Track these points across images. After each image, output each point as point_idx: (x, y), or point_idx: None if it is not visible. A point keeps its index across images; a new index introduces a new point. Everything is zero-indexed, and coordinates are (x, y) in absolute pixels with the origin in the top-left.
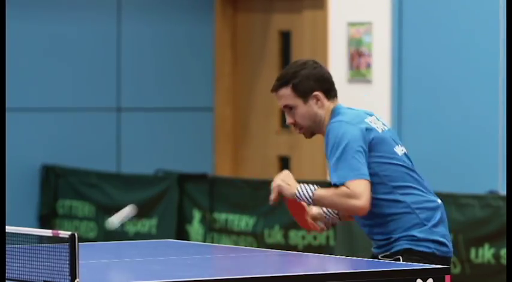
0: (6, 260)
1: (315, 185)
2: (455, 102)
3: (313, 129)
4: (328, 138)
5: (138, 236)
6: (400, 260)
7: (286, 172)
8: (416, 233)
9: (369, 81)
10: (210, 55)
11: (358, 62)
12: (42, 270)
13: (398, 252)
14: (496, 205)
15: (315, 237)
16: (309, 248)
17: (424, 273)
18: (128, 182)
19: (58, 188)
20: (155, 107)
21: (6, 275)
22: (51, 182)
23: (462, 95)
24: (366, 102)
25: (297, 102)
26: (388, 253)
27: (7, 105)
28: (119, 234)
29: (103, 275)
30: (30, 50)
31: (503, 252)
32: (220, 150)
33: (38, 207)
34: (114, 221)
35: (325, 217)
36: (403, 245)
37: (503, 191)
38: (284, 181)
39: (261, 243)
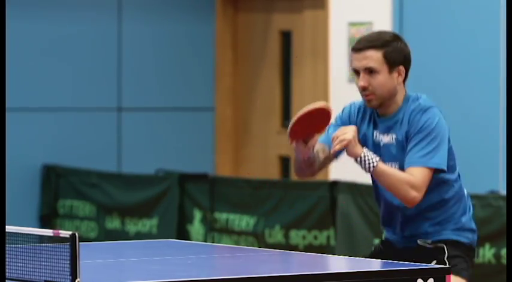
0: (7, 259)
1: (378, 157)
2: (456, 102)
3: (383, 100)
4: (421, 119)
5: (138, 235)
6: (444, 249)
7: (355, 128)
8: (462, 219)
9: None
10: (211, 55)
11: None
12: (43, 270)
13: (442, 242)
14: (496, 205)
15: (315, 237)
16: (310, 248)
17: (424, 273)
18: (129, 182)
19: (59, 187)
20: (156, 106)
21: (7, 274)
22: (51, 182)
23: (463, 94)
24: None
25: (383, 69)
26: (430, 240)
27: (7, 105)
28: (119, 234)
29: (104, 274)
30: (31, 50)
31: (503, 252)
32: (221, 150)
33: (39, 207)
34: None
35: (315, 156)
36: (450, 235)
37: (503, 190)
38: (355, 139)
39: (262, 243)
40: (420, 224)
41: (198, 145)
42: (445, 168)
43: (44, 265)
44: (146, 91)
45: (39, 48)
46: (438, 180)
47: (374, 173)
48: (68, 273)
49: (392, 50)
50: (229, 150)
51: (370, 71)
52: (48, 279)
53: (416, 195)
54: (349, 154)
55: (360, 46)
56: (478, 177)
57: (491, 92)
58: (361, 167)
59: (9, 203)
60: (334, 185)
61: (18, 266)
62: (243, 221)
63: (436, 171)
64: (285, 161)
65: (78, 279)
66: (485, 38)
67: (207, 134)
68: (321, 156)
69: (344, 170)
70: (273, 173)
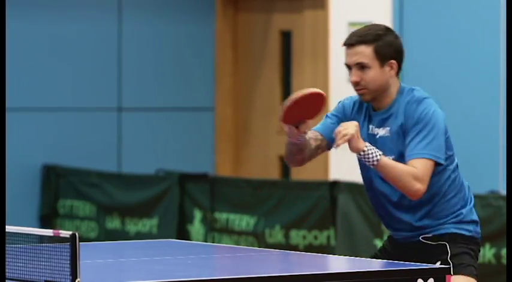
0: (7, 260)
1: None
2: (456, 102)
3: (376, 95)
4: (417, 111)
5: (138, 235)
6: (447, 248)
7: (357, 123)
8: (463, 211)
9: None
10: (211, 55)
11: None
12: (43, 270)
13: (443, 236)
14: (496, 205)
15: (315, 237)
16: (310, 248)
17: (424, 273)
18: (129, 182)
19: (59, 187)
20: (156, 106)
21: (8, 274)
22: (52, 182)
23: (463, 94)
24: None
25: (374, 63)
26: (431, 235)
27: (7, 105)
28: (119, 234)
29: (104, 274)
30: (31, 49)
31: (504, 252)
32: (221, 150)
33: (39, 207)
34: None
35: (306, 142)
36: (450, 228)
37: (503, 190)
38: (358, 133)
39: (262, 243)
40: (418, 218)
41: (198, 145)
42: (443, 162)
43: (44, 265)
44: (146, 91)
45: (39, 48)
46: (436, 172)
47: (377, 167)
48: (68, 273)
49: (383, 44)
50: (229, 150)
51: (362, 66)
52: (48, 279)
53: (420, 187)
54: (352, 149)
55: (350, 41)
56: (478, 177)
57: (491, 92)
58: (365, 161)
59: (9, 203)
60: (334, 185)
61: (18, 266)
62: (243, 221)
63: (435, 163)
64: (285, 161)
65: (78, 279)
66: (485, 38)
67: (207, 134)
68: (313, 143)
69: (344, 170)
70: (273, 173)
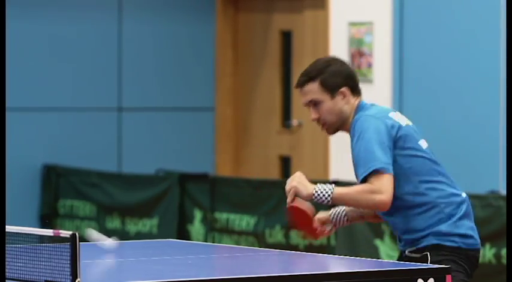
0: (8, 259)
1: (332, 184)
2: (456, 102)
3: (338, 125)
4: (353, 131)
5: (139, 235)
6: (428, 257)
7: (299, 174)
8: (442, 227)
9: (370, 81)
10: (211, 55)
11: (359, 61)
12: (44, 270)
13: (426, 248)
14: (496, 205)
15: None
16: (310, 248)
17: (425, 273)
18: (129, 182)
19: (59, 187)
20: (156, 106)
21: (8, 274)
22: (52, 182)
23: (463, 94)
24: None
25: (324, 97)
26: (414, 248)
27: (7, 105)
28: (119, 234)
29: (104, 274)
30: (31, 49)
31: (504, 252)
32: (221, 150)
33: (39, 207)
34: (93, 234)
35: (333, 219)
36: (431, 240)
37: (503, 190)
38: (300, 183)
39: (262, 243)
40: (402, 233)
41: (198, 145)
42: (387, 171)
43: (44, 265)
44: (146, 91)
45: (39, 48)
46: (395, 185)
47: (334, 201)
48: (68, 273)
49: (327, 76)
50: (229, 150)
51: (315, 103)
52: (48, 279)
53: (381, 197)
54: (303, 198)
55: (299, 82)
56: (478, 177)
57: (491, 92)
58: (321, 203)
59: (9, 203)
60: (334, 185)
61: (18, 266)
62: (243, 221)
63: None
64: (285, 161)
65: (78, 279)
66: (485, 38)
67: (207, 134)
68: (352, 213)
69: (344, 170)
70: (273, 173)
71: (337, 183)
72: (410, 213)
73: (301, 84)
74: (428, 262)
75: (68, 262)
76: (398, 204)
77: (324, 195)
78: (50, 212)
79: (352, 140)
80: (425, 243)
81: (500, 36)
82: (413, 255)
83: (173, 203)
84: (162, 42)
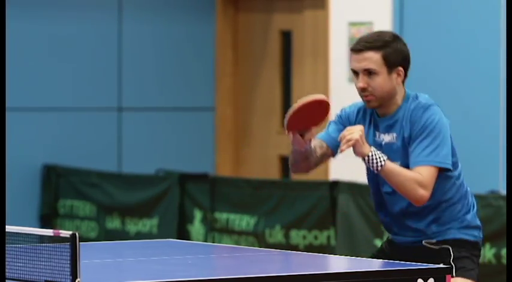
0: (8, 259)
1: (385, 156)
2: (456, 102)
3: (383, 101)
4: (423, 117)
5: (139, 235)
6: (450, 251)
7: (362, 127)
8: (467, 217)
9: None
10: (211, 55)
11: None
12: (44, 270)
13: (447, 241)
14: (496, 205)
15: (315, 237)
16: (310, 248)
17: (424, 273)
18: (129, 182)
19: (59, 187)
20: (156, 106)
21: (8, 274)
22: (52, 182)
23: (463, 94)
24: None
25: (382, 70)
26: (434, 241)
27: (7, 105)
28: (119, 234)
29: (104, 274)
30: (31, 49)
31: (504, 252)
32: (221, 150)
33: (39, 207)
34: None
35: (312, 150)
36: (455, 234)
37: (503, 190)
38: (362, 138)
39: (262, 243)
40: (425, 224)
41: (198, 145)
42: (450, 167)
43: (44, 265)
44: (146, 91)
45: (39, 48)
46: (441, 179)
47: (382, 172)
48: (68, 273)
49: (392, 51)
50: (229, 150)
51: (369, 73)
52: (48, 279)
53: (424, 193)
54: (357, 154)
55: (358, 47)
56: (478, 177)
57: (491, 92)
58: (369, 166)
59: (9, 203)
60: (334, 185)
61: (18, 266)
62: (243, 221)
63: (440, 170)
64: (285, 161)
65: (78, 279)
66: (485, 38)
67: (207, 134)
68: (318, 151)
69: (344, 170)
70: (273, 173)
71: (337, 183)
72: (443, 205)
73: (362, 49)
74: (452, 258)
75: (68, 262)
76: (440, 197)
77: (376, 161)
78: (50, 212)
79: (418, 124)
80: (448, 236)
81: (500, 36)
82: (432, 246)
83: (173, 203)
84: (162, 42)
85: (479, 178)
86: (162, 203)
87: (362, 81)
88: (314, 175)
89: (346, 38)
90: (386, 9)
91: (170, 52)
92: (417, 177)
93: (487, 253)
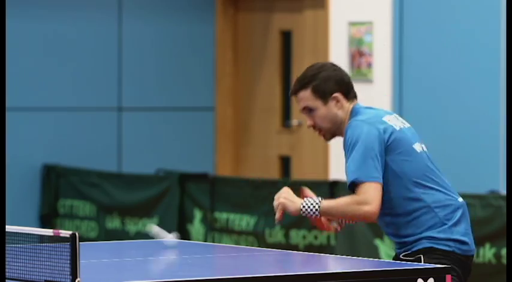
0: (8, 259)
1: (319, 197)
2: (456, 102)
3: (333, 131)
4: (346, 137)
5: (139, 235)
6: (421, 259)
7: (286, 189)
8: (435, 233)
9: (370, 81)
10: (211, 55)
11: (359, 61)
12: (43, 270)
13: (419, 251)
14: (497, 205)
15: (315, 237)
16: (310, 248)
17: (425, 273)
18: (129, 182)
19: (59, 187)
20: (156, 106)
21: (8, 274)
22: (52, 182)
23: (463, 94)
24: (366, 102)
25: (317, 104)
26: (409, 252)
27: (7, 105)
28: (119, 234)
29: (104, 274)
30: (31, 49)
31: (504, 251)
32: (221, 149)
33: (39, 206)
34: (155, 230)
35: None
36: (424, 243)
37: (503, 190)
38: (287, 198)
39: (262, 242)
40: (395, 237)
41: (198, 145)
42: (378, 180)
43: (44, 265)
44: (146, 91)
45: (39, 48)
46: (384, 191)
47: (322, 214)
48: (68, 273)
49: (319, 82)
50: (229, 150)
51: (310, 110)
52: (48, 278)
53: (368, 208)
54: (292, 214)
55: (292, 90)
56: (478, 177)
57: (491, 92)
58: (309, 217)
59: (9, 203)
60: (334, 185)
61: (18, 266)
62: (243, 221)
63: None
64: (285, 161)
65: (78, 279)
66: (485, 38)
67: (207, 134)
68: (335, 224)
69: (344, 170)
70: (273, 172)
71: (337, 183)
72: (405, 218)
73: (295, 92)
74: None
75: (68, 262)
76: (393, 210)
77: (311, 209)
78: (50, 211)
79: (344, 146)
80: (418, 246)
81: (500, 36)
82: (407, 258)
83: (173, 203)
84: (162, 42)
85: (479, 178)
86: (162, 203)
87: (308, 120)
88: (314, 175)
89: (346, 38)
90: (386, 9)
91: (170, 52)
92: (353, 199)
93: (487, 253)
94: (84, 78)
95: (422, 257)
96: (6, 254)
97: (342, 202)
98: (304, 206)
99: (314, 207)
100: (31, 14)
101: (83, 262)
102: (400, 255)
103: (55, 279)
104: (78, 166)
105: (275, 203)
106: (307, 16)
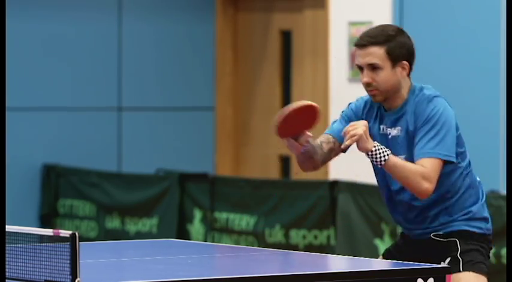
0: (7, 259)
1: (389, 150)
2: (456, 102)
3: (388, 95)
4: (426, 109)
5: (138, 235)
6: (457, 243)
7: (364, 122)
8: (474, 208)
9: None
10: (211, 54)
11: None
12: (43, 270)
13: (453, 233)
14: (497, 205)
15: (315, 237)
16: (310, 248)
17: (424, 273)
18: (129, 182)
19: (59, 187)
20: (156, 106)
21: (8, 274)
22: (52, 182)
23: (463, 94)
24: None
25: (386, 64)
26: (441, 233)
27: (7, 105)
28: (119, 234)
29: (104, 274)
30: (31, 49)
31: (504, 251)
32: (221, 149)
33: (39, 206)
34: None
35: (312, 149)
36: (461, 225)
37: (503, 190)
38: (365, 133)
39: (262, 242)
40: (433, 217)
41: (198, 145)
42: (454, 160)
43: (44, 265)
44: (146, 91)
45: (39, 48)
46: (448, 169)
47: (386, 166)
48: (68, 273)
49: (395, 45)
50: (229, 149)
51: (374, 67)
52: (48, 278)
53: (428, 186)
54: (360, 149)
55: (362, 42)
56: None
57: (492, 92)
58: (373, 161)
59: (9, 202)
60: (334, 184)
61: (18, 266)
62: (243, 221)
63: (446, 162)
64: (285, 161)
65: (78, 279)
66: (485, 38)
67: (207, 134)
68: (325, 147)
69: (344, 170)
70: (273, 172)
71: (337, 183)
72: (448, 197)
73: (365, 44)
74: (459, 252)
75: (68, 262)
76: (447, 188)
77: (380, 156)
78: (50, 211)
79: (422, 117)
80: (454, 228)
81: (500, 36)
82: (439, 239)
83: (173, 203)
84: (162, 42)
85: (480, 178)
86: (162, 202)
87: (366, 76)
88: (314, 175)
89: (346, 38)
90: (386, 9)
91: (170, 52)
92: (421, 171)
93: None
94: (84, 78)
95: (458, 242)
96: (6, 253)
97: (409, 167)
98: (376, 149)
99: (384, 155)
100: (31, 14)
101: (82, 262)
102: (431, 235)
103: (55, 279)
104: (78, 166)
105: (352, 130)
106: (307, 16)
